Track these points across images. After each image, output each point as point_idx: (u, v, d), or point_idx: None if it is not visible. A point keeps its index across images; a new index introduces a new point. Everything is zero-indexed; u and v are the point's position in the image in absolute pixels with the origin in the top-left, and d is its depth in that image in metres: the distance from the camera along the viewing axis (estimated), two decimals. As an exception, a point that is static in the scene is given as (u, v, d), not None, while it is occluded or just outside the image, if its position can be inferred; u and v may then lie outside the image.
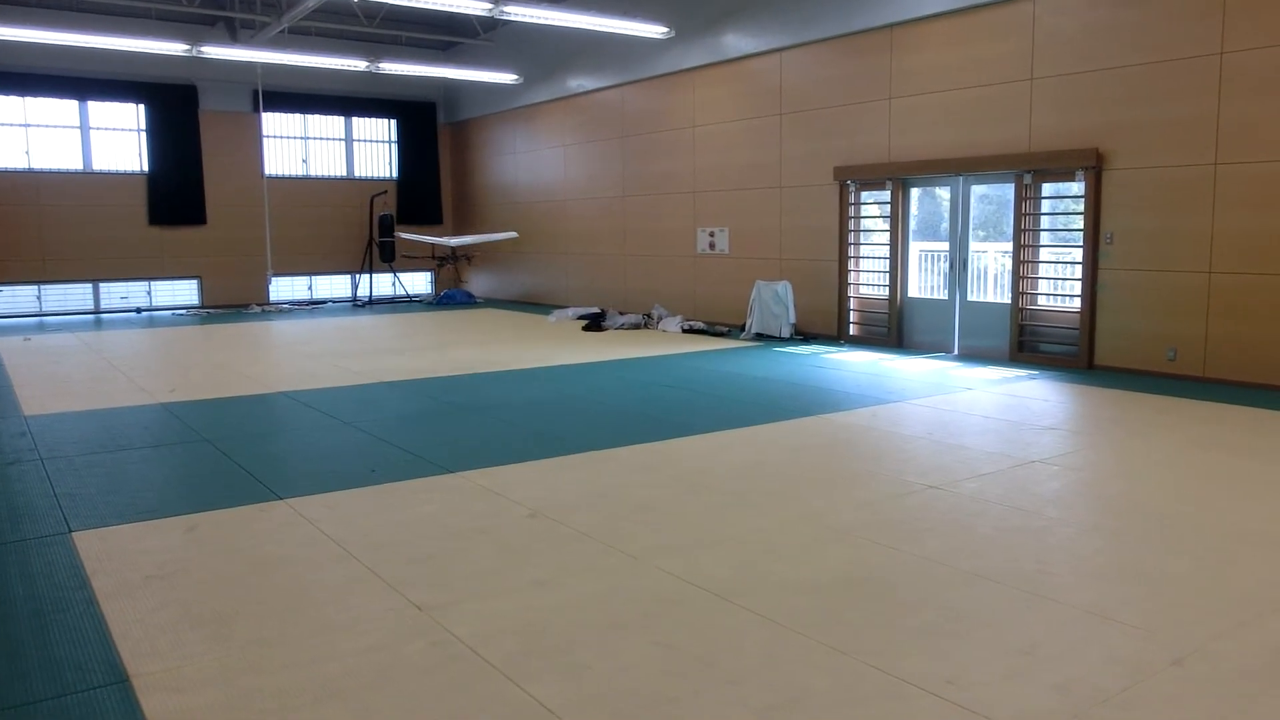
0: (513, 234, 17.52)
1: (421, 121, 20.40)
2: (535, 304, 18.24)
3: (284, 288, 19.37)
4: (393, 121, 20.15)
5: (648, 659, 3.30)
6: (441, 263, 19.96)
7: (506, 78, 17.39)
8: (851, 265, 12.01)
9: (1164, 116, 8.82)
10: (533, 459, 6.19)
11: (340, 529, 4.76)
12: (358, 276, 19.90)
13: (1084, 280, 9.55)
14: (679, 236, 14.64)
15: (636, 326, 14.08)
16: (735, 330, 13.17)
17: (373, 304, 19.37)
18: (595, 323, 14.21)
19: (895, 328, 11.52)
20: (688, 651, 3.35)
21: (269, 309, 18.32)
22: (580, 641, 3.44)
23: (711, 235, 14.03)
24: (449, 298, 19.51)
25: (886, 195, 11.49)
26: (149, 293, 18.15)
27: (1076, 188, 9.59)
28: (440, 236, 18.78)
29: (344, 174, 19.82)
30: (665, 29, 13.58)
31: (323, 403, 8.29)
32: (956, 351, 10.95)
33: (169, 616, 3.69)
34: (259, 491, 5.47)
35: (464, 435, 7.02)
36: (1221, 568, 4.13)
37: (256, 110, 18.31)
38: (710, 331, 13.27)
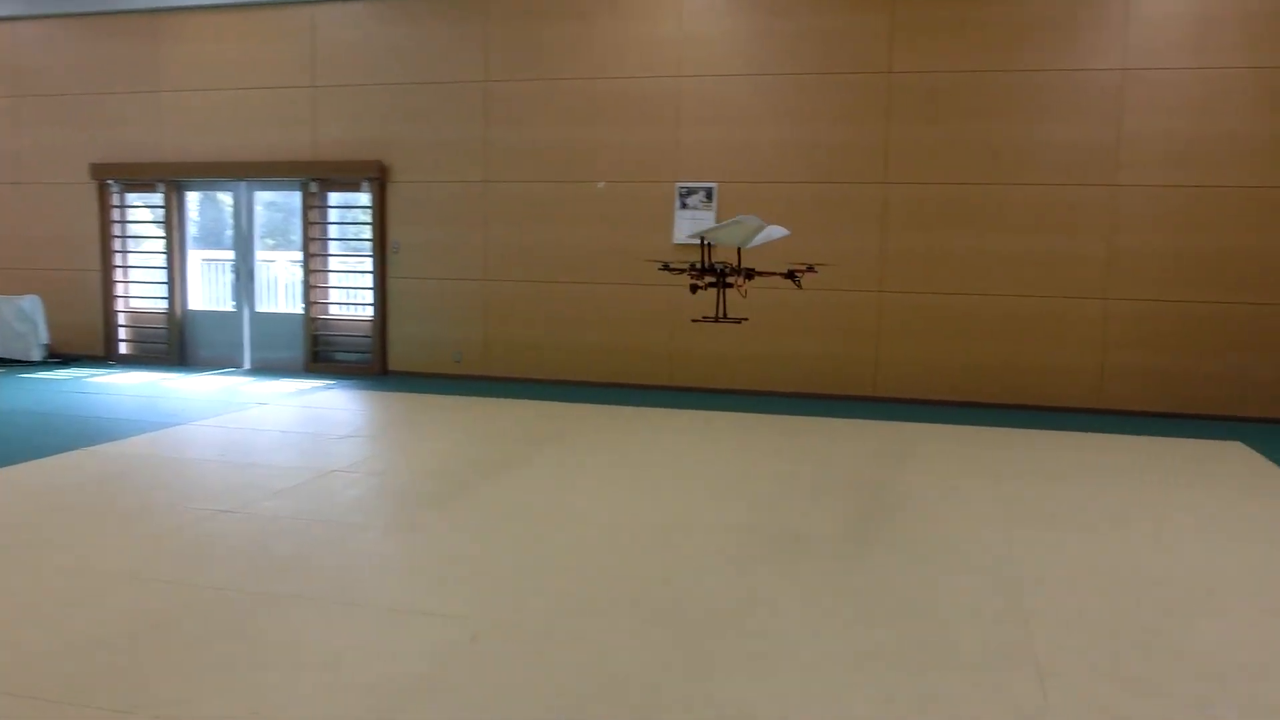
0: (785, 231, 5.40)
1: None
2: None
3: None
4: None
5: None
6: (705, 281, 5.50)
7: None
8: (120, 275, 10.59)
9: (439, 136, 9.44)
10: None
11: None
12: None
13: (375, 289, 9.77)
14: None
15: None
16: (-31, 355, 10.71)
17: None
18: None
19: (177, 344, 10.48)
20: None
21: None
22: None
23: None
24: None
25: (159, 199, 10.37)
26: None
27: (364, 198, 9.78)
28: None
29: None
30: None
31: None
32: (248, 366, 10.37)
33: None
34: None
35: None
36: (504, 545, 4.42)
37: None
38: (-69, 358, 10.58)
